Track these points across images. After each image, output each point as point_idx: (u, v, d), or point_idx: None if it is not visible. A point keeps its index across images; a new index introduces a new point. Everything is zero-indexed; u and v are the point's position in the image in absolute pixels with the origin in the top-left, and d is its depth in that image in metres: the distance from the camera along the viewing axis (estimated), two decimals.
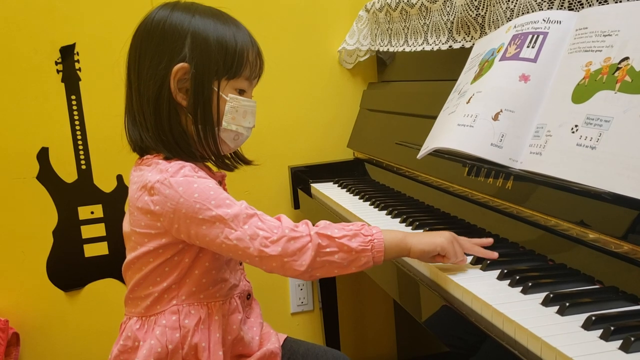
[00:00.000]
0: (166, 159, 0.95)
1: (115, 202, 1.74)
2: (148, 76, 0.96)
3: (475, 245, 0.95)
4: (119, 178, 1.74)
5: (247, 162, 1.09)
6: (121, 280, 1.77)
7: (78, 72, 1.68)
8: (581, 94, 0.86)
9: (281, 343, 1.11)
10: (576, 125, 0.84)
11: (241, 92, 0.99)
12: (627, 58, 0.81)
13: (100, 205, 1.73)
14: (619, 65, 0.82)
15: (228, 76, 0.96)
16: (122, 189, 1.74)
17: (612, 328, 0.67)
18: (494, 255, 0.93)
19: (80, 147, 1.70)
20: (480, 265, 0.93)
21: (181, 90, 0.95)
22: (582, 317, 0.71)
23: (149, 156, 0.97)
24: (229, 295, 1.00)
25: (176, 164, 0.92)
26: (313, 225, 0.92)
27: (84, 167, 1.71)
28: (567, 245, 0.89)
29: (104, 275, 1.76)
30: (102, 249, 1.75)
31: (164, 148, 0.95)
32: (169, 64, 0.94)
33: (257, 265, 0.89)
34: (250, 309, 1.07)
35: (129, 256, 0.97)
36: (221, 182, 1.03)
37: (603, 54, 0.86)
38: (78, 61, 1.68)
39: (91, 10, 1.67)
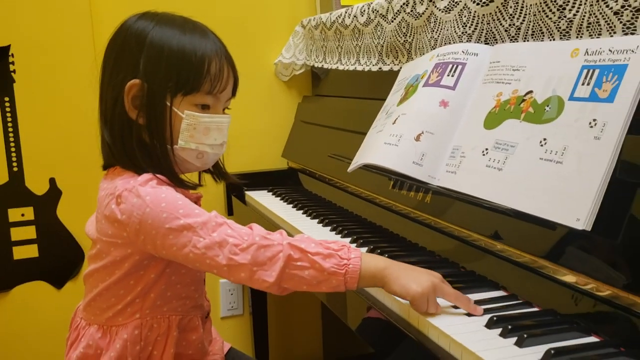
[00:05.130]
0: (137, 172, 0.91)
1: (47, 204, 1.73)
2: (107, 89, 0.94)
3: (461, 296, 0.86)
4: (52, 181, 1.73)
5: (228, 179, 1.08)
6: (51, 282, 1.77)
7: (12, 74, 1.67)
8: (492, 120, 0.97)
9: (225, 352, 1.13)
10: (486, 149, 0.95)
11: (204, 107, 0.93)
12: (531, 91, 0.93)
13: (32, 207, 1.72)
14: (524, 98, 0.93)
15: (184, 92, 0.91)
16: (54, 192, 1.74)
17: (509, 327, 0.77)
18: (479, 310, 0.84)
19: (13, 149, 1.69)
20: None
21: (136, 107, 0.91)
22: (485, 318, 0.82)
23: (116, 169, 0.94)
24: (190, 313, 0.98)
25: (147, 175, 0.89)
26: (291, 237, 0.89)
27: (15, 169, 1.69)
28: (477, 255, 0.99)
29: (33, 278, 1.75)
30: (32, 251, 1.73)
31: (119, 163, 0.93)
32: (124, 79, 0.90)
33: (224, 275, 0.85)
34: (205, 326, 1.05)
35: (94, 264, 0.94)
36: (196, 203, 0.97)
37: (512, 86, 0.97)
38: (13, 63, 1.67)
39: (28, 13, 1.66)
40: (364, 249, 1.13)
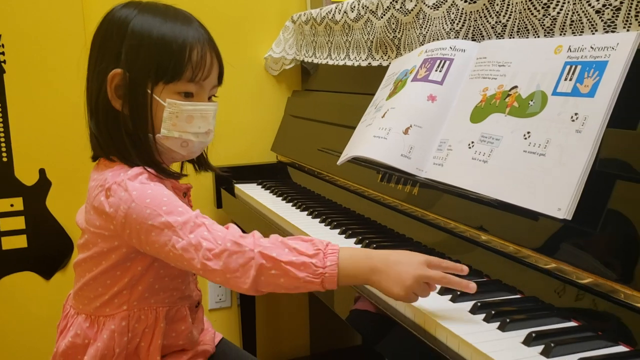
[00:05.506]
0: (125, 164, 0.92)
1: (36, 195, 1.74)
2: (91, 78, 0.94)
3: (449, 278, 0.83)
4: (42, 172, 1.74)
5: (211, 169, 1.08)
6: (39, 273, 1.78)
7: (3, 64, 1.67)
8: (478, 114, 1.00)
9: (216, 343, 1.13)
10: (472, 142, 0.98)
11: (188, 95, 0.93)
12: (516, 87, 0.96)
13: (21, 198, 1.72)
14: (509, 92, 0.96)
15: (165, 80, 0.91)
16: (44, 183, 1.74)
17: (492, 312, 0.80)
18: (472, 287, 0.83)
19: (2, 140, 1.69)
20: None
21: (119, 97, 0.91)
22: (469, 304, 0.84)
23: (106, 160, 0.94)
24: (178, 304, 0.98)
25: (137, 168, 0.90)
26: (266, 237, 0.87)
27: (5, 159, 1.70)
28: (463, 245, 1.02)
29: (21, 268, 1.76)
30: (20, 241, 1.74)
31: (106, 155, 0.93)
32: (107, 68, 0.91)
33: (203, 276, 0.86)
34: (195, 315, 1.05)
35: (82, 254, 0.95)
36: (186, 194, 1.02)
37: (497, 81, 1.00)
38: (3, 53, 1.67)
39: (18, 3, 1.66)
40: (352, 240, 1.16)
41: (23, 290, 1.77)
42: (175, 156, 0.97)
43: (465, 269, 0.85)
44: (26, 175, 1.73)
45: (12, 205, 1.72)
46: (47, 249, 1.77)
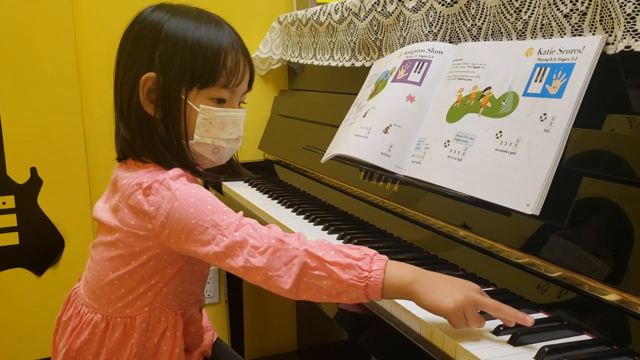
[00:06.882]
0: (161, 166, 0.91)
1: (28, 193, 1.76)
2: (122, 81, 0.92)
3: (503, 307, 0.77)
4: (33, 170, 1.76)
5: (242, 174, 1.06)
6: (31, 269, 1.80)
7: None
8: (454, 114, 1.04)
9: (213, 341, 1.15)
10: (448, 141, 1.02)
11: (220, 101, 0.92)
12: (489, 87, 1.00)
13: (13, 196, 1.75)
14: (483, 93, 1.00)
15: (200, 85, 0.90)
16: (35, 181, 1.77)
17: None
18: (530, 321, 0.76)
19: None
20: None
21: (152, 101, 0.90)
22: None
23: (138, 162, 0.92)
24: (192, 308, 0.98)
25: (177, 169, 0.89)
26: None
27: None
28: (441, 241, 1.06)
29: (13, 265, 1.78)
30: (12, 239, 1.77)
31: (139, 157, 0.91)
32: (139, 72, 0.89)
33: (242, 276, 0.83)
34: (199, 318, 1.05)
35: (108, 252, 0.92)
36: None
37: (472, 82, 1.04)
38: None
39: (8, 1, 1.68)
40: (334, 236, 1.20)
41: (15, 286, 1.79)
42: (205, 162, 0.97)
43: (529, 320, 0.76)
44: (18, 174, 1.75)
45: (4, 204, 1.75)
46: (39, 246, 1.80)
